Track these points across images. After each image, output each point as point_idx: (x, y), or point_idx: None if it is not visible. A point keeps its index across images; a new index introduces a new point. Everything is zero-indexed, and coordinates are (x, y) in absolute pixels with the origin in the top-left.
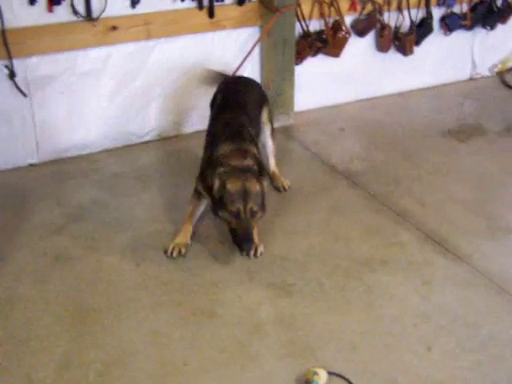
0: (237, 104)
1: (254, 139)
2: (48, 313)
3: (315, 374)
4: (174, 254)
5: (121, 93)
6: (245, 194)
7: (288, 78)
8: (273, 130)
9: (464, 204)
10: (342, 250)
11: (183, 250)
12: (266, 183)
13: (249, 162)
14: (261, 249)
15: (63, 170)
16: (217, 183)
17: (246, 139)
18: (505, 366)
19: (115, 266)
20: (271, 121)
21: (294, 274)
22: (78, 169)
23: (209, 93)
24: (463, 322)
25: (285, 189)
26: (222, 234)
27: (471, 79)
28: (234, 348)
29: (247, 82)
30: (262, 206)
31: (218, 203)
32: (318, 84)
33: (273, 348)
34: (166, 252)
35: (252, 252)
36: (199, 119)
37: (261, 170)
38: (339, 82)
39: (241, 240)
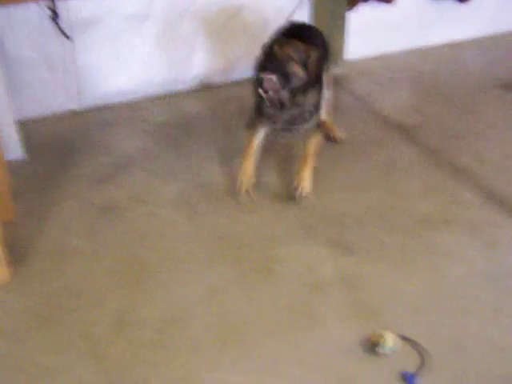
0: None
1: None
2: (100, 266)
3: (382, 336)
4: (242, 194)
5: (166, 37)
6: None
7: (339, 25)
8: (330, 80)
9: None
10: (401, 207)
11: (249, 189)
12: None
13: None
14: (306, 190)
15: (107, 117)
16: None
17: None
18: None
19: (167, 218)
20: (330, 71)
21: (353, 230)
22: (123, 116)
23: (258, 38)
24: None
25: (336, 140)
26: (279, 188)
27: None
28: (295, 307)
29: (311, 28)
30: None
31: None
32: (368, 32)
33: (335, 308)
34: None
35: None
36: (248, 66)
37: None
38: (391, 30)
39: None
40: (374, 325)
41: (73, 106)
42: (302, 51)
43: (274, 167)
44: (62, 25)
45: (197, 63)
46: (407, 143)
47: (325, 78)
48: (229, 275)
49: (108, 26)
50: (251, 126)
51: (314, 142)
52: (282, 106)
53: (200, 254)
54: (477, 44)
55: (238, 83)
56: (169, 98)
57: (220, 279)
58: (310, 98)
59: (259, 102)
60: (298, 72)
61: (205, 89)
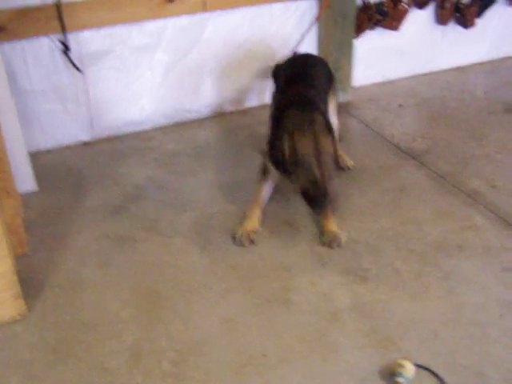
0: (305, 78)
1: (323, 112)
2: (115, 298)
3: (401, 365)
4: (246, 243)
5: (175, 67)
6: (317, 154)
7: (346, 52)
8: (337, 108)
9: None
10: (415, 234)
11: (253, 237)
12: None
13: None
14: (344, 238)
15: (118, 147)
16: (286, 142)
17: (315, 110)
18: None
19: (180, 249)
20: (336, 98)
21: (367, 258)
22: (133, 147)
23: (265, 68)
24: None
25: (349, 168)
26: (289, 215)
27: None
28: (313, 337)
29: (315, 58)
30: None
31: (293, 168)
32: (375, 58)
33: (352, 337)
34: (234, 239)
35: (335, 242)
36: (256, 95)
37: (329, 129)
38: (397, 56)
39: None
40: (391, 353)
41: (84, 137)
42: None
43: (282, 193)
44: (73, 57)
45: (205, 93)
46: (417, 169)
47: (331, 106)
48: (244, 306)
49: (118, 58)
50: (262, 174)
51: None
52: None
53: (215, 284)
54: (482, 68)
55: (246, 111)
56: (179, 128)
57: (235, 310)
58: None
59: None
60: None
61: (215, 118)
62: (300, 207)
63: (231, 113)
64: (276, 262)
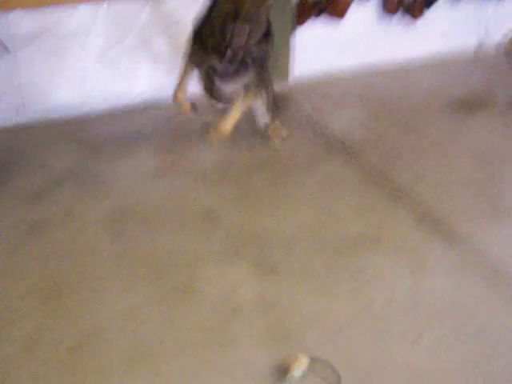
0: None
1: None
2: (20, 285)
3: (296, 359)
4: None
5: (109, 52)
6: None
7: (285, 41)
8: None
9: (465, 181)
10: (333, 227)
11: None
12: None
13: None
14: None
15: (48, 132)
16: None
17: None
18: (499, 357)
19: (94, 236)
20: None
21: (281, 249)
22: (64, 132)
23: None
24: (457, 308)
25: (282, 138)
26: (206, 204)
27: (480, 47)
28: (212, 329)
29: None
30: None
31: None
32: (318, 49)
33: (254, 330)
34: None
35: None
36: (194, 82)
37: None
38: (341, 47)
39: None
40: (290, 348)
41: (14, 120)
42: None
43: (206, 185)
44: (3, 37)
45: (141, 78)
46: (347, 161)
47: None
48: (149, 295)
49: (50, 40)
50: (189, 61)
51: (245, 101)
52: (238, 57)
53: (124, 273)
54: (427, 62)
55: None
56: (113, 114)
57: (139, 299)
58: (259, 49)
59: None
60: (262, 20)
61: (149, 104)
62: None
63: (167, 99)
64: (188, 253)
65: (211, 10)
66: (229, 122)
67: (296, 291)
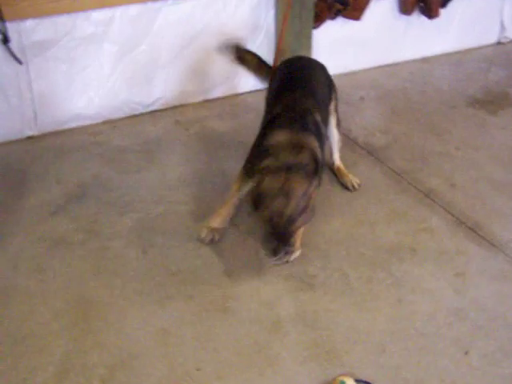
0: (303, 83)
1: (320, 129)
2: (47, 307)
3: (342, 383)
4: (207, 239)
5: (124, 59)
6: (283, 197)
7: (305, 43)
8: (339, 120)
9: (497, 185)
10: (367, 237)
11: (217, 237)
12: (315, 183)
13: (303, 157)
14: (296, 254)
15: (63, 143)
16: (256, 178)
17: (308, 129)
18: None
19: (120, 253)
20: (337, 109)
21: (315, 263)
22: (79, 142)
23: (217, 60)
24: (503, 321)
25: (354, 187)
26: (237, 216)
27: (499, 43)
28: (252, 350)
29: (312, 61)
30: (307, 210)
31: (255, 201)
32: (336, 49)
33: (294, 350)
34: (198, 236)
35: (286, 258)
36: (208, 87)
37: (316, 169)
38: (359, 47)
39: (273, 249)
40: (334, 368)
41: (28, 132)
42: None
43: None
44: (14, 49)
45: (156, 85)
46: (373, 165)
47: (333, 118)
48: (181, 315)
49: (63, 49)
50: (242, 174)
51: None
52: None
53: (153, 292)
54: (446, 60)
55: (198, 105)
56: (129, 122)
57: (172, 320)
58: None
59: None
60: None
61: (165, 111)
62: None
63: (182, 106)
64: (219, 268)
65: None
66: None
67: (335, 306)
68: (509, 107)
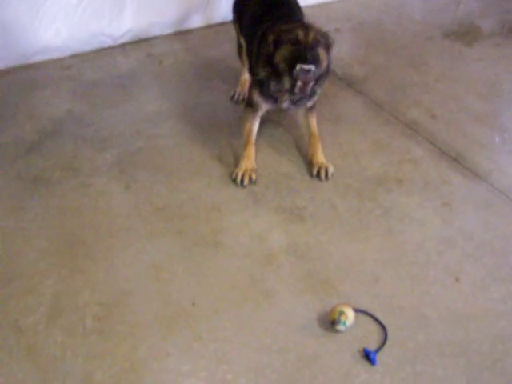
0: (285, 4)
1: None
2: (30, 247)
3: (342, 313)
4: (245, 181)
5: None
6: (304, 29)
7: None
8: None
9: (476, 115)
10: (353, 168)
11: (254, 176)
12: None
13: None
14: (331, 169)
15: (33, 77)
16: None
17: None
18: None
19: (102, 189)
20: None
21: (303, 195)
22: (49, 76)
23: None
24: (490, 248)
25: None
26: (220, 148)
27: None
28: (246, 283)
29: None
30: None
31: (273, 54)
32: None
33: (288, 282)
34: (234, 180)
35: (323, 172)
36: (179, 19)
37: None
38: None
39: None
40: (330, 298)
41: None
42: (324, 36)
43: (215, 129)
44: None
45: (126, 16)
46: (353, 97)
47: None
48: (172, 251)
49: None
50: (248, 109)
51: (315, 118)
52: (304, 93)
53: (140, 228)
54: None
55: (170, 36)
56: (99, 55)
57: (163, 255)
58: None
59: (263, 82)
60: (324, 60)
61: (136, 43)
62: (234, 140)
63: (154, 38)
64: (206, 202)
65: (270, 56)
66: (324, 157)
67: (326, 238)
68: (482, 39)
